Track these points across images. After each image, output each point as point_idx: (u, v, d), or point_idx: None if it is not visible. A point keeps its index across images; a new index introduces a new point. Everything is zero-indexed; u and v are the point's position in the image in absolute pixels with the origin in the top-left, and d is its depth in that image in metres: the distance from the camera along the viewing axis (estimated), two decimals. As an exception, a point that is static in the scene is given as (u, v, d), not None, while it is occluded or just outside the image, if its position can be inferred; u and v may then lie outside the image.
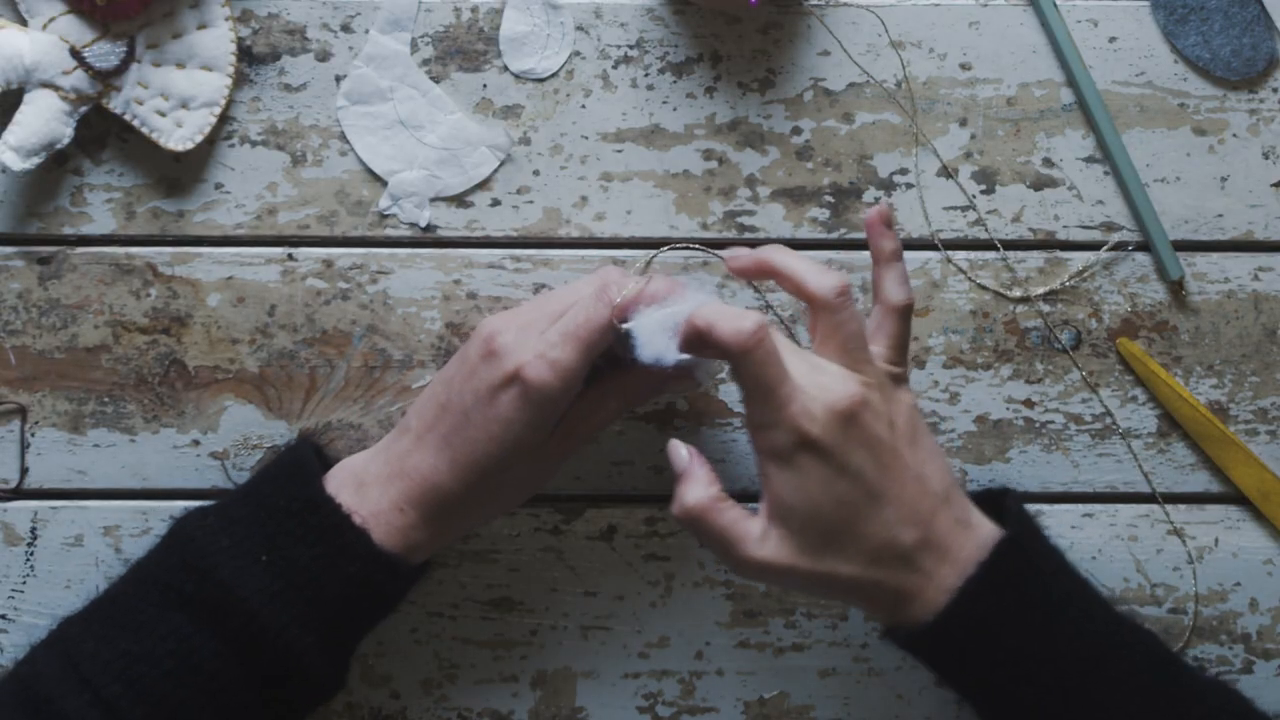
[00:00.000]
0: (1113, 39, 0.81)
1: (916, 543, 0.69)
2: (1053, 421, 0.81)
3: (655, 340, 0.71)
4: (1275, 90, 0.81)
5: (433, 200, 0.81)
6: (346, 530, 0.70)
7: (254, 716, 0.70)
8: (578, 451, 0.76)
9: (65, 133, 0.78)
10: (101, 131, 0.80)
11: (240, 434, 0.81)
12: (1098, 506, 0.82)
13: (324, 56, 0.80)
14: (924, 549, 0.69)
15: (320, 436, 0.80)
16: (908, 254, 0.81)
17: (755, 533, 0.69)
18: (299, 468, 0.73)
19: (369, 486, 0.72)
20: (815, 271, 0.70)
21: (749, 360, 0.67)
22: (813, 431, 0.67)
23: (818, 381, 0.68)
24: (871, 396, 0.68)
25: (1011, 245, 0.81)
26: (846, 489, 0.67)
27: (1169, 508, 0.82)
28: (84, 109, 0.78)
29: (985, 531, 0.71)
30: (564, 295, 0.73)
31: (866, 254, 0.81)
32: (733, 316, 0.67)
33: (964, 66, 0.81)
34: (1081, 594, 0.71)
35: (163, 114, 0.79)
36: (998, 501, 0.74)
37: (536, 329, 0.71)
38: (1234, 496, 0.82)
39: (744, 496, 0.81)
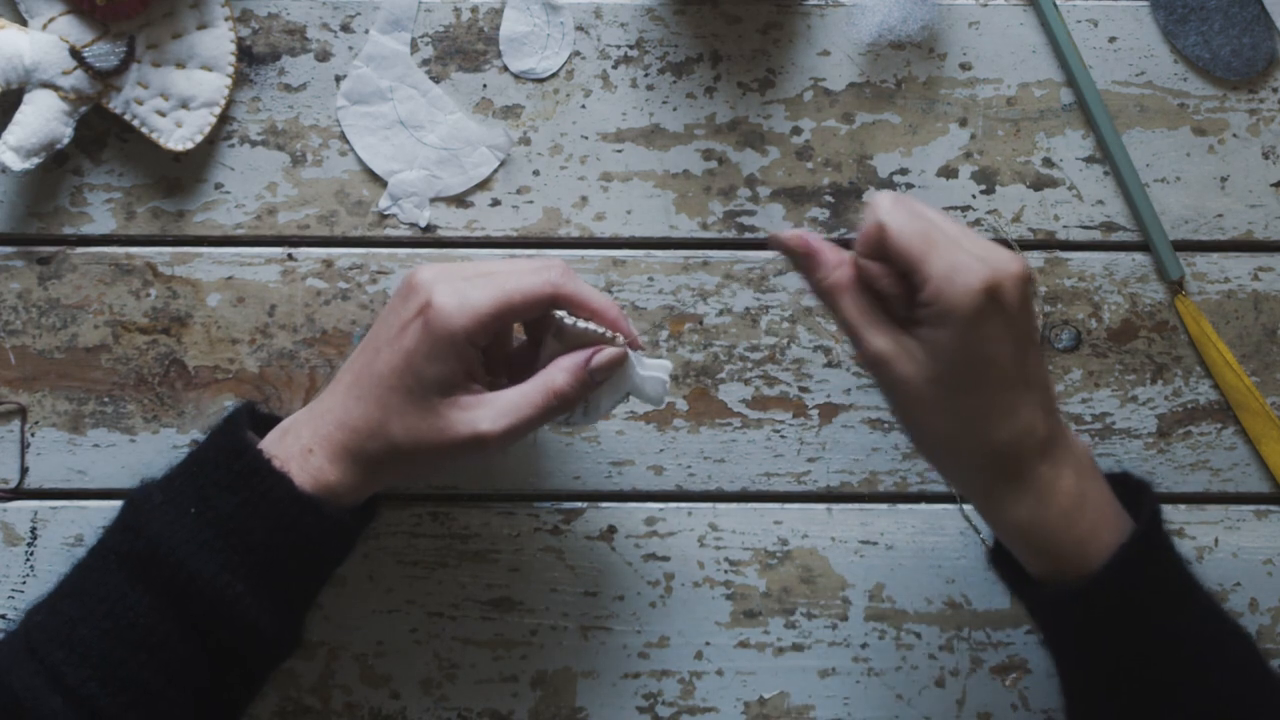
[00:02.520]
0: (1113, 39, 0.81)
1: (1047, 433, 0.68)
2: (1053, 421, 0.81)
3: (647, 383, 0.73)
4: (1275, 90, 0.81)
5: (433, 200, 0.81)
6: (266, 475, 0.70)
7: (199, 673, 0.70)
8: (513, 438, 0.71)
9: (65, 133, 0.78)
10: (101, 131, 0.80)
11: (240, 434, 0.81)
12: (1098, 506, 0.82)
13: (324, 56, 0.80)
14: (1051, 441, 0.68)
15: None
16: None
17: (901, 345, 0.68)
18: (229, 423, 0.73)
19: (289, 433, 0.72)
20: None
21: (899, 224, 0.67)
22: (1002, 283, 0.66)
23: (979, 246, 0.67)
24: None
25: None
26: (1011, 349, 0.67)
27: (1168, 508, 0.82)
28: (84, 109, 0.78)
29: (1104, 487, 0.70)
30: (505, 263, 0.73)
31: (866, 254, 0.81)
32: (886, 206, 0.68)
33: (964, 66, 0.81)
34: (1201, 587, 0.71)
35: (163, 114, 0.79)
36: (1124, 484, 0.73)
37: (462, 276, 0.71)
38: (1234, 496, 0.82)
39: (745, 497, 0.81)
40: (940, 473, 0.73)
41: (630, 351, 0.72)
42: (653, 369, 0.73)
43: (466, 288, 0.69)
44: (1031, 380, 0.68)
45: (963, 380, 0.67)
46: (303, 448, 0.71)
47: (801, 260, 0.70)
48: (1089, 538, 0.68)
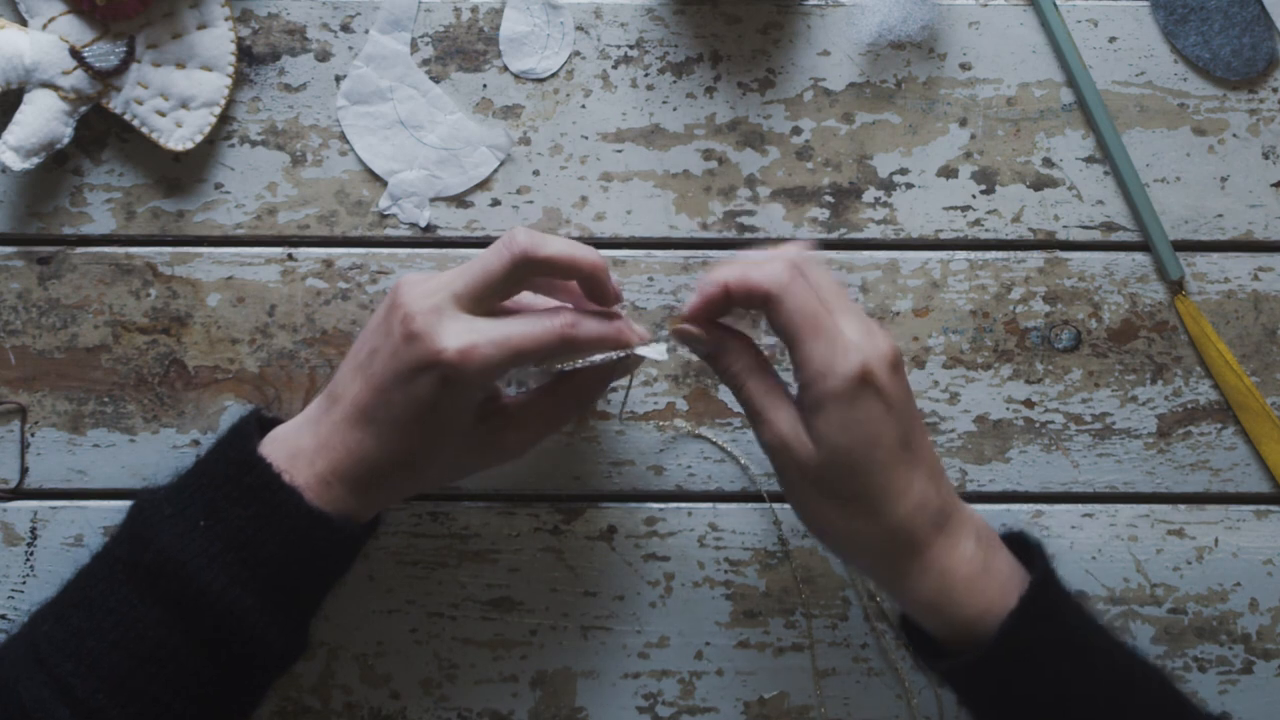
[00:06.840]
0: (1113, 39, 0.81)
1: (941, 506, 0.69)
2: (1053, 421, 0.81)
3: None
4: (1275, 90, 0.81)
5: (433, 200, 0.81)
6: (278, 489, 0.70)
7: (207, 685, 0.70)
8: (537, 444, 0.75)
9: (65, 133, 0.78)
10: (101, 131, 0.80)
11: (240, 434, 0.81)
12: (1098, 506, 0.82)
13: (324, 56, 0.80)
14: (945, 514, 0.69)
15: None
16: (908, 254, 0.81)
17: (798, 431, 0.69)
18: (237, 434, 0.73)
19: (298, 457, 0.72)
20: (754, 264, 0.70)
21: (790, 300, 0.68)
22: (874, 368, 0.67)
23: (856, 328, 0.68)
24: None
25: (1011, 245, 0.81)
26: (893, 429, 0.67)
27: (1168, 508, 0.82)
28: (84, 109, 0.78)
29: (1002, 552, 0.71)
30: (481, 270, 0.71)
31: (866, 254, 0.81)
32: (760, 263, 0.69)
33: (964, 66, 0.81)
34: (1103, 632, 0.71)
35: (163, 114, 0.79)
36: (1020, 543, 0.74)
37: (456, 304, 0.70)
38: (1234, 497, 0.82)
39: (745, 497, 0.81)
40: (840, 557, 0.73)
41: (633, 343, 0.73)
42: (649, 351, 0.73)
43: (477, 339, 0.69)
44: (917, 456, 0.69)
45: (847, 465, 0.68)
46: (318, 477, 0.71)
47: (706, 350, 0.72)
48: (994, 605, 0.69)
